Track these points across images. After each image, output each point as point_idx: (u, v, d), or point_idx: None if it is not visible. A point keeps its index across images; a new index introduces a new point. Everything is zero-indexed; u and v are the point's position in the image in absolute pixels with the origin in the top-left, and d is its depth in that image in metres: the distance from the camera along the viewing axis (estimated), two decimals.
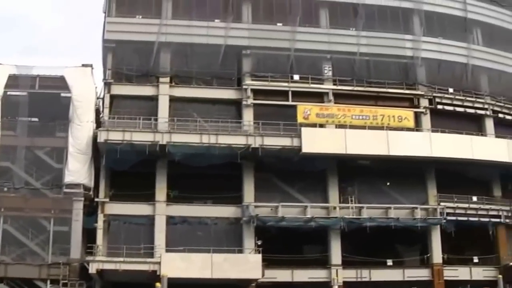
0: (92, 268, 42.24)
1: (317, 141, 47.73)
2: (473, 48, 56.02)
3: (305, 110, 49.43)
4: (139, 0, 52.42)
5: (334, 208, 48.53)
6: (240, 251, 46.52)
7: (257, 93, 50.40)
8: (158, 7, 51.80)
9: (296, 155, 47.50)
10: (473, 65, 55.26)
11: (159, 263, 42.00)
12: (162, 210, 47.11)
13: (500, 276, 47.68)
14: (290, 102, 50.30)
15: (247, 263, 44.07)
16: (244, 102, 49.92)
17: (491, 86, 56.33)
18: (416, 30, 54.80)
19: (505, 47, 58.14)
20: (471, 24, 56.96)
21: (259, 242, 46.43)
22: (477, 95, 54.99)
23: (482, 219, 51.42)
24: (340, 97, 51.50)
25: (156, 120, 48.33)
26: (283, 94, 50.69)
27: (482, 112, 54.89)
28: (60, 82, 50.04)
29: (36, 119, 53.94)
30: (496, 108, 55.53)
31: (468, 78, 55.07)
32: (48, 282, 46.26)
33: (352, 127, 49.63)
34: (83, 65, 50.92)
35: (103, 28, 51.85)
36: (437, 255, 49.82)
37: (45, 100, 49.96)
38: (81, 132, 48.03)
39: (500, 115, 55.78)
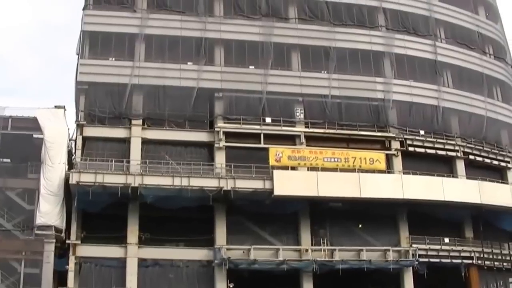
0: None
1: (289, 184, 48.27)
2: (443, 90, 57.27)
3: (277, 152, 49.98)
4: (112, 43, 53.02)
5: (306, 250, 48.73)
6: None
7: (229, 135, 50.96)
8: (131, 50, 52.65)
9: (268, 197, 48.02)
10: (443, 107, 56.44)
11: None
12: (133, 252, 47.11)
13: None
14: (262, 145, 50.97)
15: None
16: (216, 145, 50.45)
17: (461, 128, 57.38)
18: (387, 72, 56.05)
19: (475, 89, 59.55)
20: (441, 66, 58.39)
21: (231, 285, 46.69)
22: (448, 137, 56.03)
23: (454, 261, 51.96)
24: (312, 140, 52.30)
25: (128, 162, 48.63)
26: (255, 136, 51.36)
27: (453, 153, 55.76)
28: (33, 123, 50.61)
29: (8, 160, 54.15)
30: (467, 150, 56.46)
31: (439, 120, 56.15)
32: None
33: (324, 169, 50.21)
34: (56, 107, 51.37)
35: (76, 70, 52.44)
36: None
37: (17, 141, 50.38)
38: (53, 174, 48.10)
39: (471, 157, 56.61)
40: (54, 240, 47.09)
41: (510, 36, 68.32)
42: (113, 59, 52.61)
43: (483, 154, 57.65)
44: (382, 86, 55.15)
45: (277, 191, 47.71)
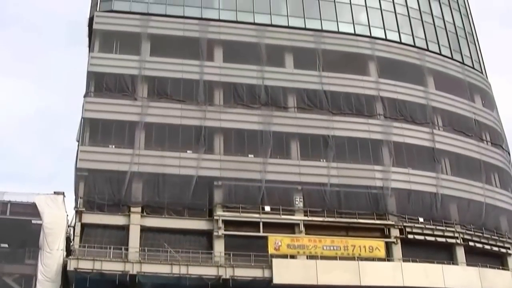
0: None
1: (288, 272, 48.81)
2: (441, 177, 58.38)
3: (276, 241, 50.82)
4: (113, 130, 54.50)
5: None
6: None
7: (228, 224, 51.80)
8: (131, 137, 54.03)
9: (268, 286, 48.48)
10: (442, 194, 57.40)
11: None
12: None
13: None
14: (261, 233, 51.71)
15: None
16: (215, 233, 51.21)
17: (460, 215, 58.13)
18: (386, 160, 57.34)
19: (473, 175, 60.62)
20: (439, 154, 59.70)
21: None
22: (447, 224, 56.76)
23: None
24: (311, 228, 53.06)
25: (126, 249, 49.23)
26: (254, 225, 52.17)
27: (453, 240, 56.35)
28: (32, 209, 51.37)
29: (5, 245, 54.68)
30: (466, 237, 57.04)
31: (438, 207, 57.02)
32: None
33: (323, 257, 50.84)
34: (55, 193, 52.30)
35: (76, 157, 53.53)
36: None
37: (16, 226, 51.02)
38: (51, 260, 48.58)
39: (471, 243, 57.16)
40: None
41: (506, 123, 70.09)
42: (113, 146, 53.95)
43: (482, 240, 58.21)
44: (381, 174, 56.38)
45: (276, 280, 48.22)
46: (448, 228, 56.50)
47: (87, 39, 62.23)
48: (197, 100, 56.00)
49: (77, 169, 52.73)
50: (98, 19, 59.31)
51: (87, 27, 61.37)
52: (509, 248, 59.66)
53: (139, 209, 51.43)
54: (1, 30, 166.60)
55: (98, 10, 60.17)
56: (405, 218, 55.56)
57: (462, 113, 63.77)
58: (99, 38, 58.60)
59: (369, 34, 63.67)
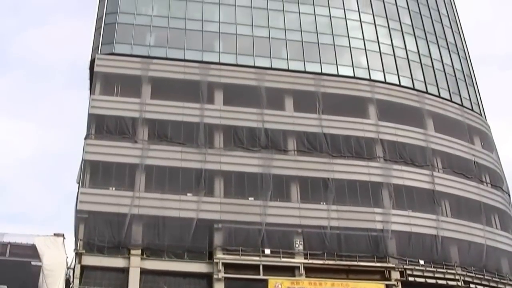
0: None
1: None
2: (442, 219, 58.77)
3: (276, 284, 51.22)
4: (113, 172, 54.99)
5: None
6: None
7: (228, 266, 52.03)
8: (132, 179, 54.58)
9: None
10: (442, 236, 57.73)
11: None
12: None
13: None
14: (261, 276, 52.03)
15: None
16: (215, 276, 51.44)
17: (461, 257, 58.38)
18: (386, 203, 57.81)
19: (473, 217, 61.04)
20: (439, 196, 60.17)
21: None
22: (447, 266, 57.02)
23: None
24: (311, 271, 53.36)
25: None
26: (254, 268, 52.47)
27: (454, 283, 56.54)
28: (31, 251, 51.47)
29: (4, 287, 54.64)
30: (467, 279, 57.29)
31: (438, 249, 57.28)
32: None
33: None
34: (55, 235, 52.65)
35: (76, 199, 53.98)
36: None
37: (15, 268, 51.07)
38: None
39: (472, 286, 57.35)
40: None
41: (506, 164, 70.70)
42: (113, 188, 54.38)
43: (484, 282, 58.44)
44: (381, 217, 56.80)
45: None
46: (449, 271, 56.76)
47: (88, 81, 63.12)
48: (197, 143, 56.68)
49: (77, 211, 53.12)
50: (99, 62, 60.29)
51: (88, 70, 62.26)
52: None
53: (139, 252, 51.74)
54: (5, 73, 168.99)
55: (99, 53, 61.17)
56: (406, 261, 55.84)
57: (462, 155, 64.44)
58: (100, 81, 59.44)
59: (368, 77, 64.67)
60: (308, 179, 57.43)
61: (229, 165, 56.36)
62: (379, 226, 56.29)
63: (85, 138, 56.16)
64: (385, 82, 64.82)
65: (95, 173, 54.80)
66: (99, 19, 64.19)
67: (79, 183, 54.88)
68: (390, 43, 68.17)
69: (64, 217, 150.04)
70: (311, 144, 58.84)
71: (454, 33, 75.28)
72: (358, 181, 58.18)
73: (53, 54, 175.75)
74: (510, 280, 60.47)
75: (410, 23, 71.05)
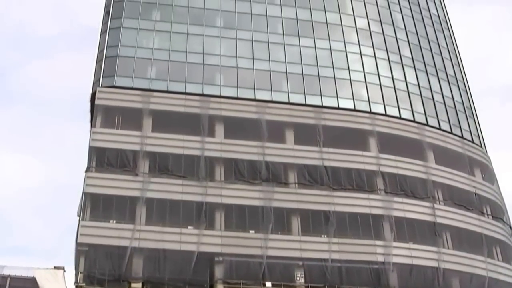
0: None
1: None
2: (443, 251, 58.86)
3: None
4: (114, 205, 55.25)
5: None
6: None
7: None
8: (132, 212, 54.80)
9: None
10: (444, 268, 57.82)
11: None
12: None
13: None
14: None
15: None
16: None
17: None
18: (387, 235, 57.97)
19: (475, 249, 61.10)
20: (440, 228, 60.35)
21: None
22: None
23: None
24: None
25: None
26: None
27: None
28: (31, 284, 51.45)
29: None
30: None
31: (440, 281, 57.24)
32: None
33: None
34: (55, 267, 52.70)
35: (77, 231, 54.01)
36: None
37: None
38: None
39: None
40: None
41: (507, 196, 70.91)
42: (114, 221, 54.60)
43: None
44: (382, 249, 56.94)
45: None
46: None
47: (89, 114, 63.48)
48: (198, 175, 57.01)
49: (78, 244, 53.22)
50: (100, 95, 60.81)
51: (90, 102, 62.68)
52: None
53: (139, 285, 51.81)
54: (7, 106, 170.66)
55: (100, 85, 61.73)
56: None
57: (463, 187, 64.68)
58: (101, 113, 59.94)
59: (369, 110, 65.25)
60: (309, 212, 57.68)
61: (230, 198, 56.63)
62: (380, 258, 56.40)
63: (86, 171, 56.44)
64: (385, 115, 65.38)
65: (95, 206, 55.01)
66: (100, 52, 64.77)
67: (79, 215, 54.98)
68: (390, 75, 68.85)
69: (65, 249, 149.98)
70: (312, 176, 59.17)
71: (454, 65, 76.08)
72: (359, 214, 58.40)
73: (55, 87, 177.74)
74: None
75: (410, 56, 71.88)
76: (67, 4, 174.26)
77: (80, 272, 51.89)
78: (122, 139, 58.20)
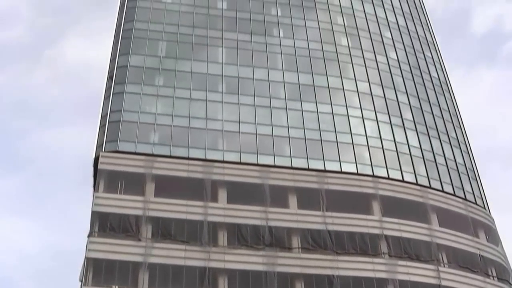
0: None
1: None
2: None
3: None
4: (116, 270, 55.22)
5: None
6: None
7: None
8: (135, 278, 54.73)
9: None
10: None
11: None
12: None
13: None
14: None
15: None
16: None
17: None
18: None
19: None
20: None
21: None
22: None
23: None
24: None
25: None
26: None
27: None
28: None
29: None
30: None
31: None
32: None
33: None
34: None
35: None
36: None
37: None
38: None
39: None
40: None
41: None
42: (117, 286, 54.43)
43: None
44: None
45: None
46: None
47: (92, 179, 63.90)
48: (201, 241, 57.13)
49: None
50: (103, 159, 61.40)
51: (92, 167, 63.16)
52: None
53: None
54: (8, 174, 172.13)
55: (103, 150, 62.34)
56: None
57: (467, 249, 64.62)
58: (104, 178, 60.45)
59: (372, 173, 65.64)
60: (312, 276, 57.56)
61: (233, 263, 56.63)
62: None
63: (88, 236, 56.61)
64: (388, 178, 65.79)
65: (98, 271, 54.97)
66: (103, 117, 65.67)
67: (81, 281, 54.95)
68: (392, 138, 69.55)
69: None
70: (315, 241, 59.28)
71: (456, 127, 76.86)
72: (363, 278, 58.30)
73: (58, 152, 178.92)
74: None
75: (411, 119, 72.75)
76: (70, 70, 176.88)
77: None
78: (125, 204, 58.55)
